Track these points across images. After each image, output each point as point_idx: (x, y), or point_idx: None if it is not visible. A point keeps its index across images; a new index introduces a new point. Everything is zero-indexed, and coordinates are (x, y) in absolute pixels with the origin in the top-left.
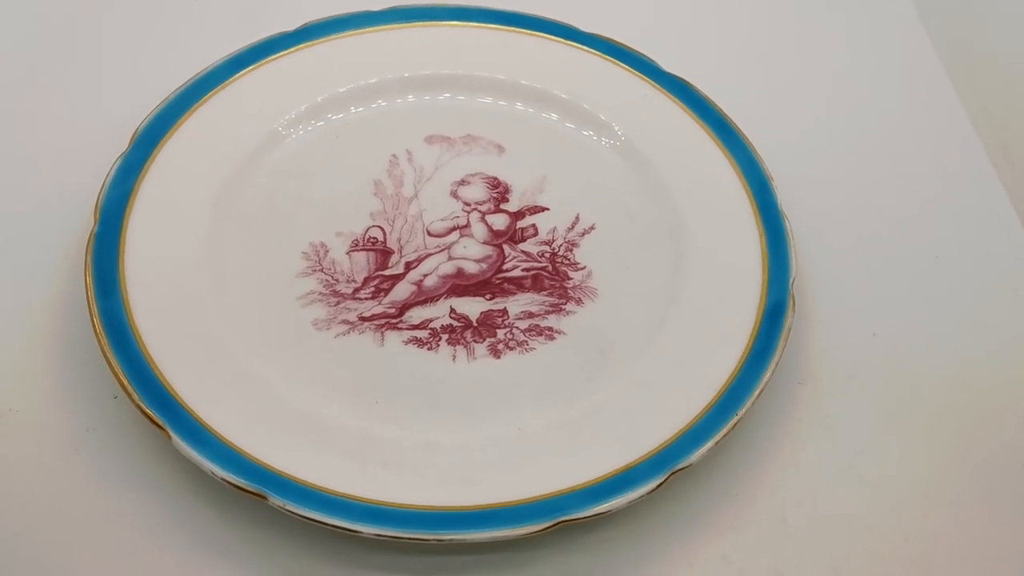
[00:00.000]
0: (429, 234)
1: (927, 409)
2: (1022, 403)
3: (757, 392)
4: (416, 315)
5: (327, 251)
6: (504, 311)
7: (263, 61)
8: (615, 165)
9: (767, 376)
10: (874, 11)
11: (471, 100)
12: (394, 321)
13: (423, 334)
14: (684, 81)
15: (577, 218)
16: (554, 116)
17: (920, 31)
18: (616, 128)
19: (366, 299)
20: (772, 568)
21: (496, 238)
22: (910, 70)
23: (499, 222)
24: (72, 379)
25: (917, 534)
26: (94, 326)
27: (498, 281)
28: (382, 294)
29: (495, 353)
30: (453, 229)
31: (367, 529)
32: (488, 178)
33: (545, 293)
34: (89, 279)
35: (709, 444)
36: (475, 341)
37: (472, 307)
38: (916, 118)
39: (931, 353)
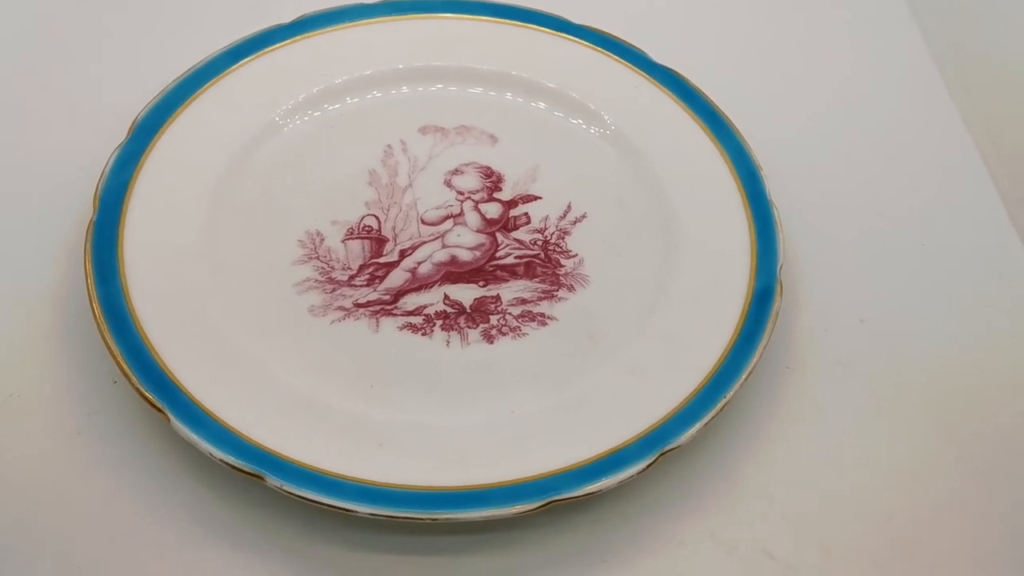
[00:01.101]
0: (423, 222)
1: (913, 392)
2: (1006, 387)
3: (745, 375)
4: (411, 302)
5: (323, 239)
6: (497, 297)
7: (260, 52)
8: (606, 155)
9: (755, 360)
10: (867, 8)
11: (464, 91)
12: (389, 307)
13: (417, 320)
14: (674, 72)
15: (569, 207)
16: (545, 106)
17: (913, 29)
18: (607, 118)
19: (361, 286)
20: (759, 546)
21: (489, 226)
22: (902, 66)
23: (492, 211)
24: (73, 364)
25: (901, 513)
26: (94, 312)
27: (491, 268)
28: (377, 281)
29: (488, 338)
30: (447, 217)
31: (362, 508)
32: (481, 167)
33: (537, 280)
34: (89, 266)
35: (698, 426)
36: (468, 327)
37: (466, 294)
38: (907, 112)
39: (917, 339)
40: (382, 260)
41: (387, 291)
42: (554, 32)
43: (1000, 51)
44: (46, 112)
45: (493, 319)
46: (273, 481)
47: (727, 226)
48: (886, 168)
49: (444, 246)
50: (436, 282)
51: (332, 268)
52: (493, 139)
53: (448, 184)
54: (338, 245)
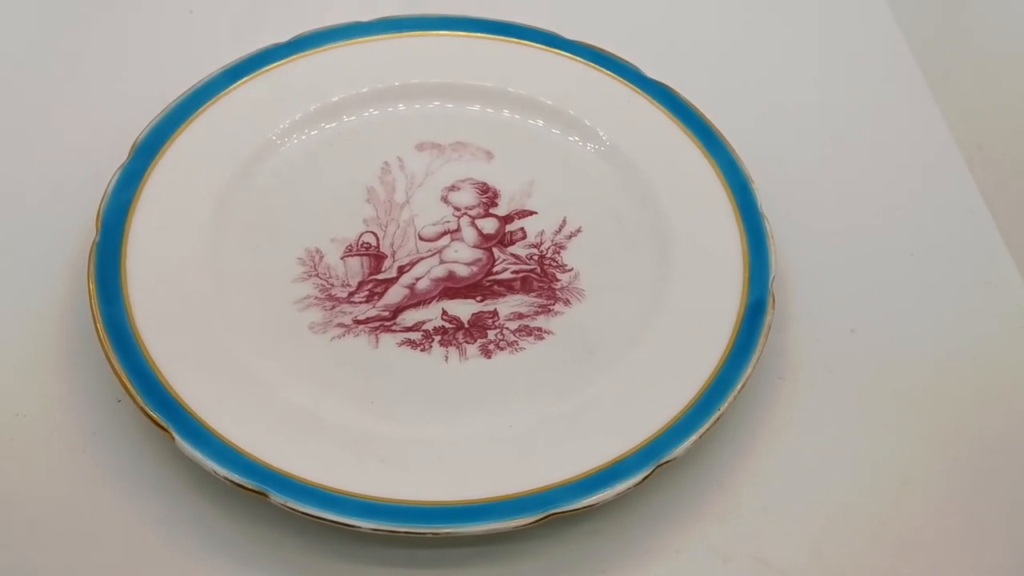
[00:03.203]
0: (421, 239)
1: (904, 400)
2: (997, 392)
3: (739, 387)
4: (409, 317)
5: (322, 256)
6: (494, 312)
7: (258, 72)
8: (600, 169)
9: (748, 371)
10: (850, 12)
11: (460, 108)
12: (388, 323)
13: (416, 336)
14: (667, 87)
15: (564, 221)
16: (540, 122)
17: (895, 32)
18: (601, 133)
19: (360, 303)
20: (755, 555)
21: (486, 242)
22: (886, 70)
23: (489, 226)
24: (77, 384)
25: (894, 519)
26: (98, 332)
27: (488, 283)
28: (376, 298)
29: (486, 353)
30: (444, 233)
31: (364, 524)
32: (478, 183)
33: (534, 294)
34: (92, 287)
35: (694, 437)
36: (466, 342)
37: (463, 309)
38: (892, 119)
39: (907, 346)
40: (381, 276)
41: (386, 307)
42: (548, 48)
43: (982, 53)
44: (47, 134)
45: (491, 334)
46: (276, 498)
47: (720, 239)
48: (874, 178)
49: (442, 262)
50: (434, 298)
51: (331, 285)
52: (489, 155)
53: (445, 200)
54: (337, 262)
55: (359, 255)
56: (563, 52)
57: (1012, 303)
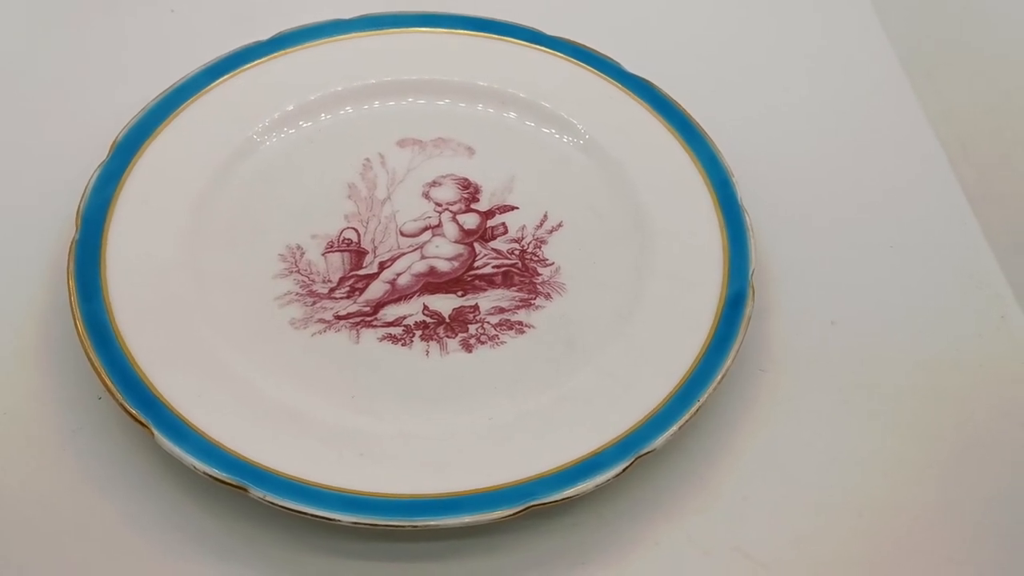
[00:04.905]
0: (402, 234)
1: (883, 393)
2: (975, 385)
3: (718, 379)
4: (390, 313)
5: (303, 253)
6: (476, 307)
7: (239, 70)
8: (582, 165)
9: (728, 363)
10: (832, 9)
11: (442, 104)
12: (369, 319)
13: (397, 331)
14: (647, 82)
15: (545, 216)
16: (519, 118)
17: (878, 29)
18: (581, 129)
19: (341, 298)
20: (735, 546)
21: (467, 237)
22: (869, 66)
23: (470, 221)
24: (58, 381)
25: (873, 511)
26: (78, 330)
27: (469, 278)
28: (357, 293)
29: (467, 347)
30: (425, 229)
31: (345, 517)
32: (459, 179)
33: (515, 289)
34: (72, 284)
35: (673, 429)
36: (448, 336)
37: (444, 304)
38: (875, 115)
39: (888, 339)
40: (362, 272)
41: (367, 303)
42: (529, 44)
43: (964, 50)
44: (27, 132)
45: (472, 328)
46: (256, 492)
47: (700, 233)
48: (855, 172)
49: (423, 257)
50: (415, 293)
51: (312, 281)
52: (470, 151)
53: (426, 196)
54: (318, 258)
55: (340, 251)
56: (544, 48)
57: (992, 296)
